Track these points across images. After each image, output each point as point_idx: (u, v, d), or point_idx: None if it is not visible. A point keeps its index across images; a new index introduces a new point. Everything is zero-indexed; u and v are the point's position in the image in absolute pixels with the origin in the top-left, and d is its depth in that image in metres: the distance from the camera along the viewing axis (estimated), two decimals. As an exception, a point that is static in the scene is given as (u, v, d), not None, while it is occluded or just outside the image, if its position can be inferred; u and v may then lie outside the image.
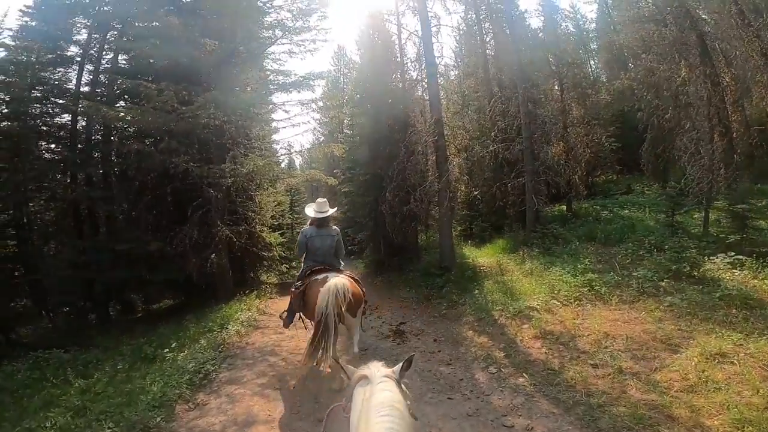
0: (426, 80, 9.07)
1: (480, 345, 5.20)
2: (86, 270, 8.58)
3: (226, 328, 6.36)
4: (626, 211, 10.93)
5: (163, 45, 8.20)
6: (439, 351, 5.26)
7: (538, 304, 5.75)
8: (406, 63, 10.31)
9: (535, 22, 17.80)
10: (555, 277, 6.51)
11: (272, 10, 9.71)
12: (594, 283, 5.91)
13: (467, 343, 5.39)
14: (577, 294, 5.79)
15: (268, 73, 10.65)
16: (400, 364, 1.52)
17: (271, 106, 10.81)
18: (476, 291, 7.05)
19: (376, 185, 10.39)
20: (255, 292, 9.34)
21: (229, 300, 8.40)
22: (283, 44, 10.14)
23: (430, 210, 10.33)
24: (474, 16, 13.20)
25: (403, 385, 1.42)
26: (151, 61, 8.91)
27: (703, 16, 8.94)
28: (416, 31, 9.45)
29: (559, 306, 5.66)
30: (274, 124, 11.88)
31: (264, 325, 7.04)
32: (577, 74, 12.20)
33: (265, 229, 11.02)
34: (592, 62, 22.21)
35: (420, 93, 10.24)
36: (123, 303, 10.70)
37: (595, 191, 13.93)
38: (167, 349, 5.53)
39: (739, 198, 6.52)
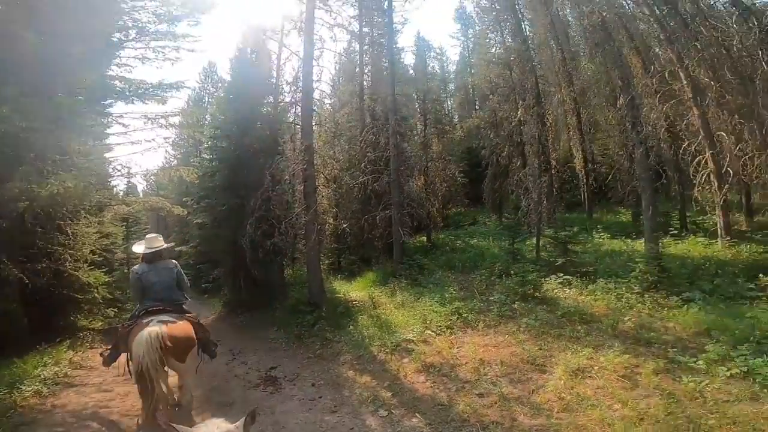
0: (300, 103, 8.67)
1: (364, 385, 4.80)
2: None
3: (18, 388, 4.62)
4: (475, 240, 12.31)
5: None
6: (320, 397, 4.68)
7: (414, 336, 5.72)
8: (282, 85, 9.79)
9: (409, 58, 19.49)
10: (426, 308, 6.66)
11: (132, 10, 7.88)
12: (461, 311, 6.23)
13: (350, 384, 4.93)
14: (448, 323, 5.98)
15: (110, 79, 8.49)
16: (243, 418, 1.44)
17: (108, 118, 8.64)
18: (351, 327, 6.72)
19: (235, 216, 9.29)
20: (68, 341, 7.07)
21: (26, 353, 6.13)
22: (137, 48, 8.32)
23: (296, 243, 9.73)
24: (357, 46, 13.38)
25: None
26: None
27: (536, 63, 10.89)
28: (298, 51, 9.08)
29: (434, 336, 5.72)
30: (110, 140, 9.54)
31: (81, 382, 5.34)
32: (438, 111, 13.49)
33: (83, 266, 8.63)
34: (448, 102, 25.47)
35: (292, 118, 9.78)
36: None
37: (449, 223, 15.47)
38: None
39: (560, 226, 7.91)
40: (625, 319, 5.21)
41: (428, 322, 6.11)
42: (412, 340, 5.62)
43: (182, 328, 3.67)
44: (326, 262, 11.82)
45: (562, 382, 3.91)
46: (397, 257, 9.36)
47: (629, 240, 9.90)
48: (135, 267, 4.25)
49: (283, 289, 9.32)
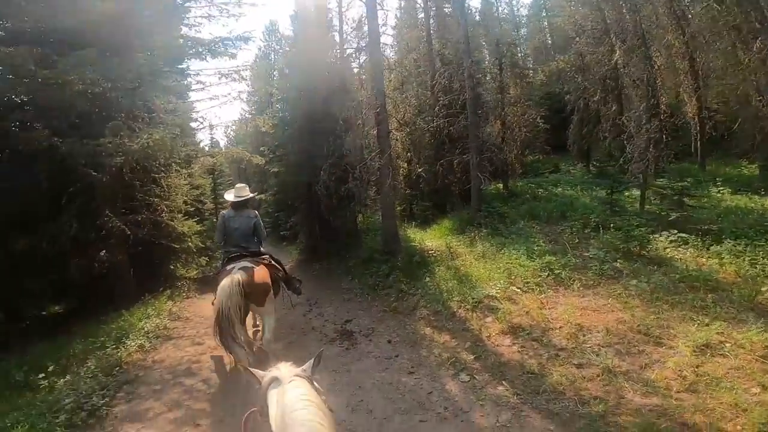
0: (366, 49, 8.07)
1: (443, 345, 4.59)
2: None
3: (124, 342, 5.00)
4: (559, 189, 11.17)
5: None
6: (397, 356, 4.56)
7: (497, 292, 5.29)
8: (346, 31, 9.22)
9: (474, 1, 17.78)
10: (510, 261, 6.13)
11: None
12: (552, 266, 5.62)
13: (427, 343, 4.74)
14: (537, 279, 5.44)
15: (181, 38, 8.81)
16: (311, 361, 1.51)
17: (186, 78, 9.13)
18: (427, 279, 6.43)
19: (309, 164, 9.29)
20: (168, 291, 7.84)
21: (132, 304, 6.85)
22: (202, 7, 8.66)
23: (368, 189, 9.56)
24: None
25: (315, 383, 1.40)
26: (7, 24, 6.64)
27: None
28: (360, -5, 8.35)
29: (520, 293, 5.25)
30: (191, 96, 10.14)
31: (178, 335, 5.75)
32: (514, 54, 12.18)
33: (178, 216, 9.34)
34: (522, 47, 22.94)
35: (360, 63, 9.27)
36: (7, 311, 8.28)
37: (527, 170, 14.29)
38: (42, 374, 4.11)
39: (677, 176, 6.65)
40: (764, 290, 4.25)
41: (513, 277, 5.63)
42: (496, 297, 5.21)
43: (259, 274, 3.93)
44: (398, 208, 11.61)
45: (687, 358, 3.28)
46: (475, 204, 8.75)
47: (757, 197, 8.30)
48: (223, 211, 4.64)
49: (356, 237, 9.32)
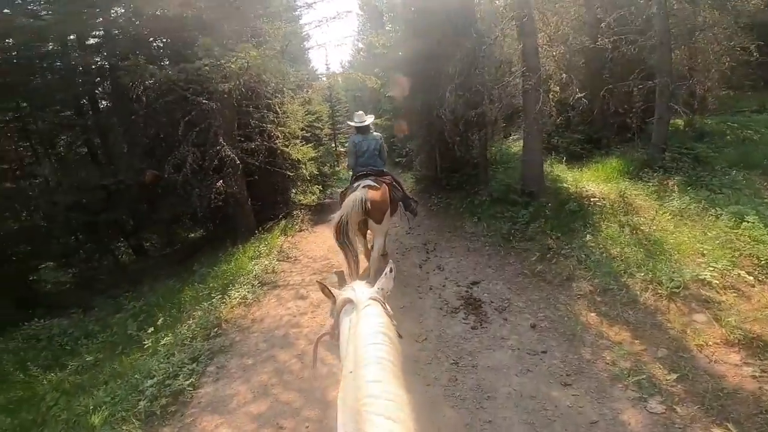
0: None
1: (618, 346, 3.16)
2: (81, 211, 7.17)
3: (229, 293, 4.67)
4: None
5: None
6: (544, 352, 3.27)
7: (713, 277, 3.49)
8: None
9: None
10: (731, 228, 4.07)
11: None
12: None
13: (592, 338, 3.33)
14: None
15: None
16: (383, 277, 1.42)
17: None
18: (588, 236, 4.75)
19: (429, 85, 7.74)
20: (282, 223, 7.67)
21: (249, 237, 6.79)
22: None
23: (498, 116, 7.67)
24: None
25: (387, 306, 1.31)
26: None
27: None
28: None
29: (755, 283, 3.37)
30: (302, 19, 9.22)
31: (283, 282, 5.27)
32: None
33: (297, 142, 8.97)
34: None
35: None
36: (135, 245, 9.45)
37: (721, 107, 10.33)
38: (152, 329, 4.02)
39: None
40: None
41: (740, 255, 3.69)
42: (711, 284, 3.46)
43: (381, 193, 4.29)
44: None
45: None
46: (659, 141, 6.35)
47: None
48: (353, 137, 5.01)
49: (485, 171, 7.76)
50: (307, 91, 9.91)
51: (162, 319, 4.27)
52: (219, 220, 7.85)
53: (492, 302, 4.16)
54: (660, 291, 3.54)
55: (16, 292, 7.15)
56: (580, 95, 6.02)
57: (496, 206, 6.49)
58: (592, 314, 3.64)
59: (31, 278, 7.35)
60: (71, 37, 7.97)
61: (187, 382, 3.13)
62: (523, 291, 4.32)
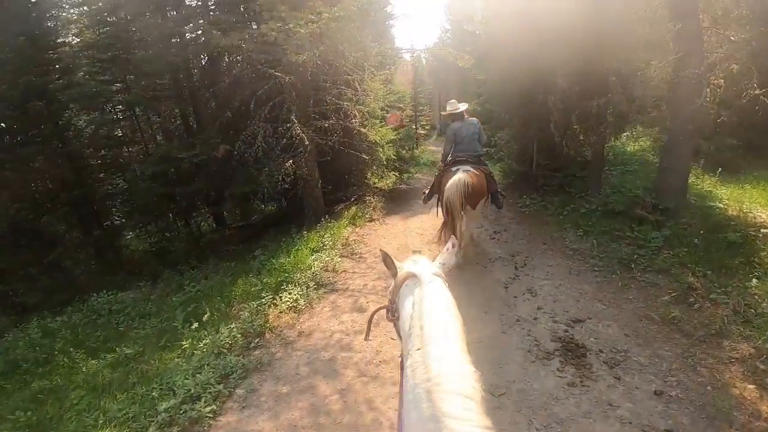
0: None
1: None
2: (160, 183, 7.34)
3: (281, 294, 4.12)
4: None
5: None
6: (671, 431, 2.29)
7: None
8: None
9: None
10: None
11: None
12: None
13: (745, 421, 2.37)
14: None
15: None
16: (445, 252, 1.35)
17: None
18: (754, 280, 3.48)
19: (529, 68, 6.41)
20: (353, 208, 7.11)
21: (317, 221, 6.32)
22: None
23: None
24: None
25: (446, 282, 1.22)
26: None
27: None
28: None
29: None
30: None
31: (342, 285, 4.59)
32: None
33: (376, 122, 8.27)
34: None
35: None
36: (215, 217, 9.61)
37: None
38: (197, 324, 3.65)
39: None
40: None
41: None
42: None
43: (479, 179, 4.36)
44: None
45: None
46: None
47: None
48: (453, 123, 5.06)
49: (597, 173, 6.34)
50: (391, 69, 9.14)
51: (208, 314, 3.91)
52: (288, 200, 7.53)
53: (600, 351, 3.13)
54: None
55: (107, 255, 7.58)
56: (758, 92, 4.35)
57: (611, 220, 5.21)
58: (750, 386, 2.59)
59: (117, 244, 7.78)
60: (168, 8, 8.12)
61: (208, 409, 2.64)
62: (647, 341, 3.22)
